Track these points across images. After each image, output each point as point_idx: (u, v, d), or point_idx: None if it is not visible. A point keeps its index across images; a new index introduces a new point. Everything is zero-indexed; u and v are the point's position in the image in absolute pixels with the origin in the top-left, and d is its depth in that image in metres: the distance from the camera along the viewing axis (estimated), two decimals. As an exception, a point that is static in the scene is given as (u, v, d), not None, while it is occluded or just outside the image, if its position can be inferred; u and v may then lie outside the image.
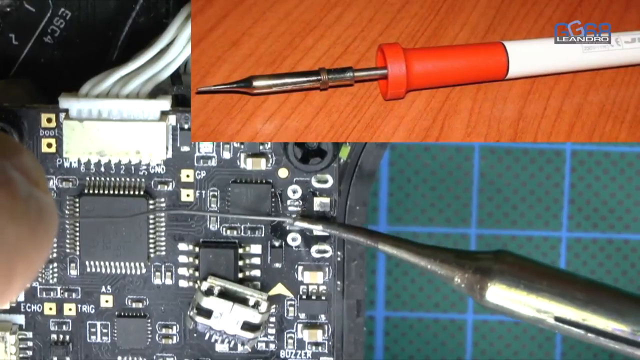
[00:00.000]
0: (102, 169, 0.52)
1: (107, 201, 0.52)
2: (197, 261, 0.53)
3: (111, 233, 0.52)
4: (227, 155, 0.52)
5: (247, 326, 0.52)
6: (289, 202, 0.52)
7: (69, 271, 0.53)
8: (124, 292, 0.54)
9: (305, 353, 0.54)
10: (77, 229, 0.52)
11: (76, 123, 0.51)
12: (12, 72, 0.54)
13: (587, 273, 0.64)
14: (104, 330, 0.54)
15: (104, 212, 0.52)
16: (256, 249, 0.53)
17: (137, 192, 0.52)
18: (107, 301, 0.54)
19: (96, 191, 0.52)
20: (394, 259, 0.64)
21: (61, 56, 0.54)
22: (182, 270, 0.53)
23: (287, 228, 0.53)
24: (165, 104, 0.51)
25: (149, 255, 0.53)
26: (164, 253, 0.53)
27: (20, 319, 0.54)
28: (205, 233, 0.53)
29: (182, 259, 0.53)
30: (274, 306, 0.53)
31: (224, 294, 0.52)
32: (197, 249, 0.53)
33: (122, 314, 0.54)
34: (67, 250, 0.53)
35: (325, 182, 0.52)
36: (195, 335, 0.54)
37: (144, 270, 0.53)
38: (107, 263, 0.53)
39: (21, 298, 0.54)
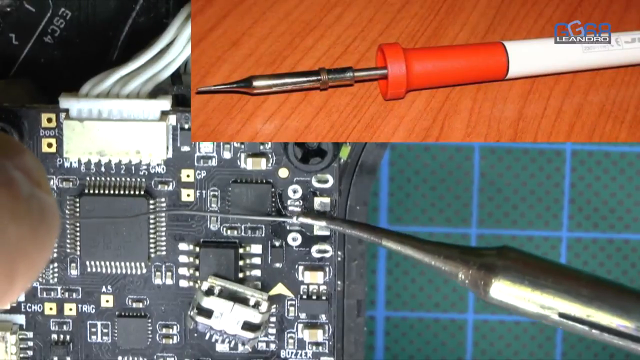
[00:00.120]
0: (103, 169, 0.52)
1: (108, 201, 0.52)
2: (197, 261, 0.53)
3: (112, 233, 0.52)
4: (227, 155, 0.52)
5: (248, 326, 0.52)
6: (289, 202, 0.52)
7: (69, 271, 0.53)
8: (125, 292, 0.54)
9: (306, 353, 0.54)
10: (78, 229, 0.53)
11: (76, 123, 0.51)
12: (12, 72, 0.54)
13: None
14: (105, 330, 0.54)
15: (105, 212, 0.52)
16: (256, 248, 0.53)
17: (137, 192, 0.52)
18: (107, 301, 0.54)
19: (96, 191, 0.52)
20: (394, 259, 0.64)
21: (61, 56, 0.54)
22: (183, 270, 0.53)
23: (288, 227, 0.53)
24: (165, 104, 0.51)
25: (150, 255, 0.53)
26: (164, 253, 0.53)
27: (20, 319, 0.54)
28: (206, 233, 0.53)
29: (183, 258, 0.53)
30: (274, 306, 0.53)
31: (225, 294, 0.52)
32: (197, 249, 0.53)
33: (123, 313, 0.54)
34: (68, 250, 0.53)
35: (326, 182, 0.52)
36: (195, 335, 0.54)
37: (144, 270, 0.53)
38: (107, 263, 0.53)
39: (21, 298, 0.54)
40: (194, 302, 0.52)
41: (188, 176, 0.52)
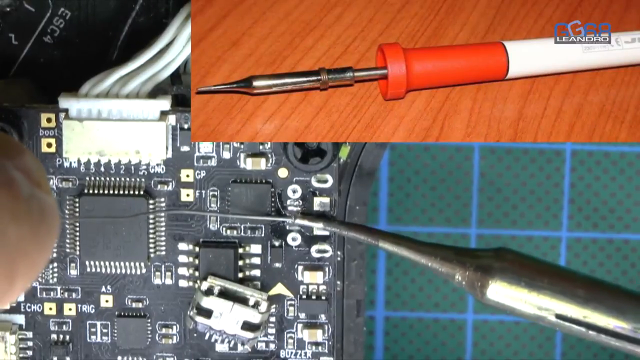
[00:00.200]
0: (102, 169, 0.52)
1: (107, 201, 0.52)
2: (197, 261, 0.53)
3: (111, 233, 0.52)
4: (227, 155, 0.52)
5: (247, 326, 0.52)
6: (289, 201, 0.52)
7: (69, 271, 0.53)
8: (124, 292, 0.54)
9: (305, 353, 0.54)
10: (77, 229, 0.52)
11: (76, 123, 0.51)
12: (12, 72, 0.54)
13: (587, 273, 0.64)
14: (104, 330, 0.54)
15: (104, 212, 0.52)
16: (256, 248, 0.53)
17: (137, 192, 0.52)
18: (107, 301, 0.54)
19: (96, 191, 0.52)
20: (394, 259, 0.64)
21: (61, 56, 0.54)
22: (182, 270, 0.53)
23: (287, 227, 0.53)
24: (165, 103, 0.51)
25: (149, 255, 0.53)
26: (164, 253, 0.53)
27: (20, 319, 0.54)
28: (205, 233, 0.53)
29: (182, 258, 0.53)
30: (274, 306, 0.53)
31: (224, 294, 0.52)
32: (197, 249, 0.53)
33: (122, 313, 0.54)
34: (67, 250, 0.53)
35: (325, 182, 0.52)
36: (195, 335, 0.54)
37: (144, 270, 0.53)
38: (107, 263, 0.53)
39: (21, 298, 0.54)
40: (193, 302, 0.52)
41: (188, 176, 0.52)
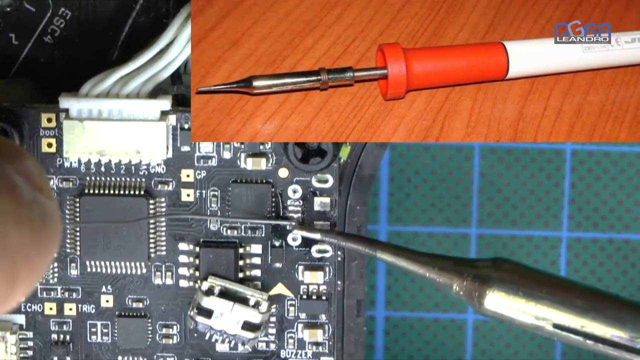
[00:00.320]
0: (102, 169, 0.52)
1: (108, 201, 0.52)
2: (197, 261, 0.53)
3: (111, 233, 0.52)
4: (227, 155, 0.52)
5: (248, 326, 0.52)
6: (289, 202, 0.52)
7: (69, 271, 0.53)
8: (125, 292, 0.54)
9: (306, 353, 0.54)
10: (78, 229, 0.52)
11: (76, 123, 0.51)
12: (12, 72, 0.54)
13: (587, 273, 0.64)
14: (105, 330, 0.54)
15: (104, 212, 0.52)
16: (256, 248, 0.53)
17: (137, 192, 0.52)
18: (107, 301, 0.54)
19: (96, 191, 0.52)
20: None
21: (61, 56, 0.54)
22: (183, 270, 0.53)
23: (288, 227, 0.53)
24: (165, 103, 0.51)
25: (150, 255, 0.53)
26: (164, 253, 0.53)
27: (20, 319, 0.54)
28: (206, 233, 0.53)
29: (183, 258, 0.53)
30: (274, 306, 0.53)
31: (225, 294, 0.52)
32: (197, 249, 0.53)
33: (123, 313, 0.54)
34: (68, 250, 0.53)
35: (326, 182, 0.52)
36: (195, 335, 0.54)
37: (144, 270, 0.53)
38: (107, 263, 0.53)
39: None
40: (194, 302, 0.52)
41: (188, 176, 0.52)
